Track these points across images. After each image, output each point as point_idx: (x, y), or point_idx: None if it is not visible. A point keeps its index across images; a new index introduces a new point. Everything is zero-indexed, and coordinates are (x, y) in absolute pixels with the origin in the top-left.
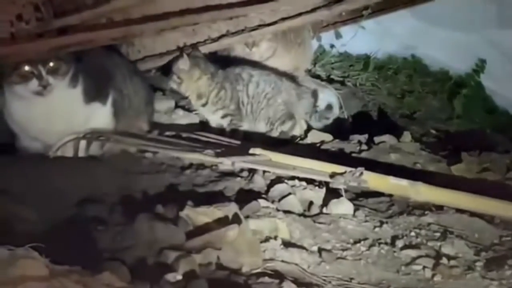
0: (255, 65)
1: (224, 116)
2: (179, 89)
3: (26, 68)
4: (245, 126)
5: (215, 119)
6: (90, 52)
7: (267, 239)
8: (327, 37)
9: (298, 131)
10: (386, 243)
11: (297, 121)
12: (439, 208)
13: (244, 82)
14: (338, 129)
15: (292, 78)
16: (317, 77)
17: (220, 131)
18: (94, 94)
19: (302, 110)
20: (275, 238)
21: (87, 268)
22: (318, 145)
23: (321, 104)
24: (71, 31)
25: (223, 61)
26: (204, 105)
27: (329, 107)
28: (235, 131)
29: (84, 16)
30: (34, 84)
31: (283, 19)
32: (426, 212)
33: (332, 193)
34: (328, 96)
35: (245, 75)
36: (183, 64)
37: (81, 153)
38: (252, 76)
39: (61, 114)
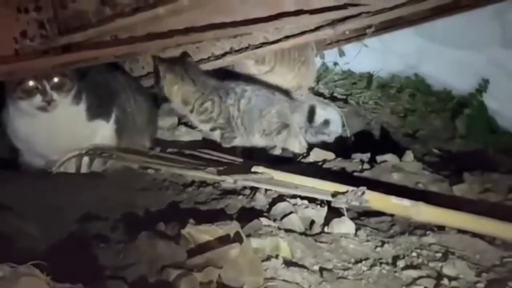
0: (251, 80)
1: (213, 129)
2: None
3: (31, 83)
4: (239, 139)
5: (205, 132)
6: (94, 69)
7: (268, 258)
8: (330, 55)
9: (298, 148)
10: (387, 263)
11: (291, 131)
12: (441, 228)
13: (236, 96)
14: (340, 147)
15: (285, 92)
16: (320, 95)
17: (222, 148)
18: (97, 111)
19: (296, 123)
20: (277, 257)
21: (88, 286)
22: (320, 163)
23: (318, 119)
24: (75, 48)
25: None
26: (191, 111)
27: (326, 122)
28: (236, 148)
29: (89, 34)
30: (38, 99)
31: (287, 37)
32: (427, 232)
33: (334, 212)
34: (329, 113)
35: (239, 89)
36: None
37: (83, 169)
38: (245, 91)
39: (64, 130)
